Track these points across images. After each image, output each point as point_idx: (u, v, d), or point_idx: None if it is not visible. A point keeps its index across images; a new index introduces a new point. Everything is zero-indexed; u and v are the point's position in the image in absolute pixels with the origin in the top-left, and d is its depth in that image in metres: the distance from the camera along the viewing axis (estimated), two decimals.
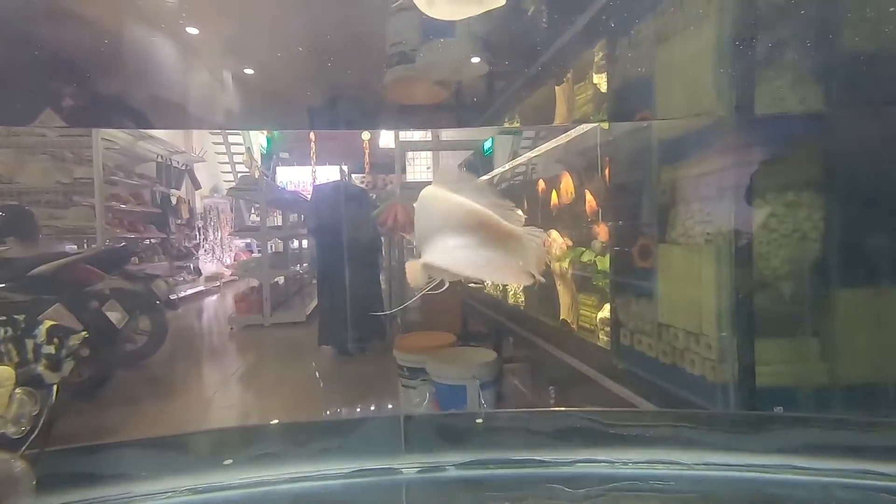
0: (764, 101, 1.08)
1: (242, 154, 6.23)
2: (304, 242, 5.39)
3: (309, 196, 4.22)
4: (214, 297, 5.92)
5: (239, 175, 5.81)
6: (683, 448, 0.58)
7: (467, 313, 3.29)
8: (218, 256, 6.32)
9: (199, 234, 6.05)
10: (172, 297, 4.71)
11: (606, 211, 1.73)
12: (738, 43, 1.10)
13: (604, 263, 1.73)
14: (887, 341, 1.03)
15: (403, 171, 6.91)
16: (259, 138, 7.11)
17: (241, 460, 0.56)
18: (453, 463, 0.59)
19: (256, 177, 5.17)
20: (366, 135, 6.91)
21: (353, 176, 6.73)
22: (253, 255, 6.01)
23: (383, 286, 3.91)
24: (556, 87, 1.85)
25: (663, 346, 1.39)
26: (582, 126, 1.81)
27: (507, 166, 3.07)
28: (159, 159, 5.36)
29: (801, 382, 1.14)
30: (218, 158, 6.81)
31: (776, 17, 1.13)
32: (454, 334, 2.95)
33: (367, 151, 7.00)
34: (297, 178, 7.59)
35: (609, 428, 0.59)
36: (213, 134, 6.80)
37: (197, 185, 5.93)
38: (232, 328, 4.19)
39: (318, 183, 4.45)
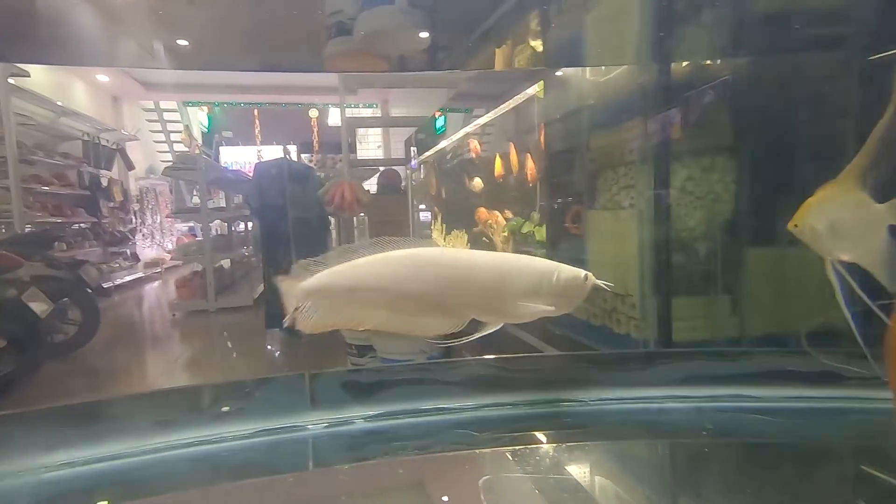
0: (680, 51, 1.12)
1: (181, 132, 5.89)
2: (251, 224, 5.20)
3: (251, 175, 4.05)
4: (156, 284, 5.64)
5: (176, 154, 5.50)
6: (581, 387, 0.61)
7: None
8: (158, 241, 6.00)
9: (136, 218, 5.71)
10: (106, 284, 4.45)
11: (543, 181, 1.75)
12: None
13: (541, 234, 1.76)
14: (789, 295, 1.10)
15: (353, 149, 6.77)
16: (199, 115, 6.74)
17: (132, 428, 0.53)
18: (362, 416, 0.59)
19: (198, 154, 4.91)
20: (313, 112, 6.69)
21: (302, 155, 6.52)
22: (197, 238, 5.74)
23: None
24: (497, 49, 1.84)
25: (594, 309, 1.44)
26: (519, 97, 1.81)
27: (453, 139, 3.05)
28: (86, 138, 4.98)
29: (714, 336, 1.21)
30: (154, 137, 6.42)
31: None
32: None
33: (315, 130, 6.78)
34: (243, 157, 7.28)
35: (514, 374, 0.61)
36: (146, 111, 6.39)
37: (130, 166, 5.58)
38: (174, 315, 4.01)
39: (259, 161, 4.27)
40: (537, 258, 0.52)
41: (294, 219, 3.38)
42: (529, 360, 0.61)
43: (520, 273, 0.50)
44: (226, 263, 5.00)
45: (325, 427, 0.57)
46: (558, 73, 1.56)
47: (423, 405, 0.59)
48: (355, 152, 6.58)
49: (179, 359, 3.04)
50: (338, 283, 0.49)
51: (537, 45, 1.62)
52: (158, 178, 5.92)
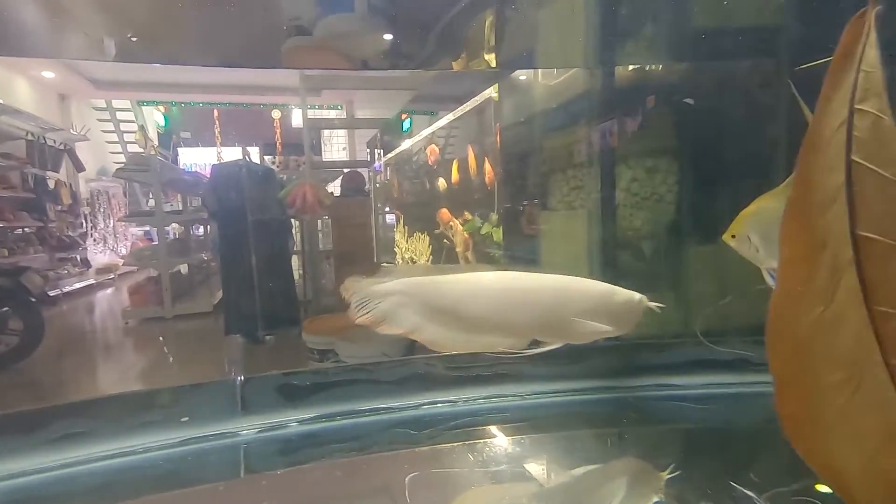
0: (624, 57, 1.15)
1: (135, 133, 5.66)
2: (210, 227, 5.04)
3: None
4: (109, 291, 5.39)
5: (129, 155, 5.28)
6: (517, 382, 0.62)
7: None
8: (111, 246, 5.74)
9: (87, 222, 5.44)
10: (52, 291, 4.21)
11: (501, 182, 1.77)
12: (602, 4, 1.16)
13: (499, 235, 1.78)
14: (729, 291, 1.15)
15: (318, 151, 6.65)
16: (155, 115, 6.50)
17: (39, 442, 0.50)
18: (296, 419, 0.58)
19: (153, 155, 4.73)
20: (276, 113, 6.56)
21: (265, 157, 6.37)
22: (153, 243, 5.52)
23: (297, 270, 3.76)
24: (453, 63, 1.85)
25: None
26: (476, 99, 1.82)
27: (416, 141, 3.05)
28: (30, 137, 4.71)
29: (660, 331, 1.24)
30: (106, 137, 6.14)
31: None
32: None
33: (278, 131, 6.65)
34: (202, 159, 7.06)
35: (451, 371, 0.61)
36: (97, 110, 6.11)
37: (80, 167, 5.31)
38: (127, 323, 3.84)
39: (216, 163, 4.15)
40: (596, 281, 0.53)
41: (253, 221, 3.29)
42: (468, 357, 0.61)
43: (579, 296, 0.52)
44: (184, 268, 4.83)
45: (257, 433, 0.56)
46: (512, 76, 1.58)
47: (361, 406, 0.58)
48: (320, 154, 6.48)
49: (130, 369, 2.91)
50: (415, 292, 0.48)
51: (490, 59, 1.64)
52: (111, 180, 5.66)
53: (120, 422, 0.53)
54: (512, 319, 0.51)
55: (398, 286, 0.49)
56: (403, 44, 1.58)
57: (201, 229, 5.13)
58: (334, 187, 4.17)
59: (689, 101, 1.18)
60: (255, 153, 6.48)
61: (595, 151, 1.24)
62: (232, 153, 6.25)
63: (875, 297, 0.28)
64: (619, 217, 1.20)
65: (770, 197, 0.57)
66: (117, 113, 6.17)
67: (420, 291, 0.49)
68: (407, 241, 2.90)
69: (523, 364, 0.63)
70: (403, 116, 5.25)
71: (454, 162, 2.14)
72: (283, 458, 0.56)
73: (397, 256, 3.21)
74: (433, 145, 2.25)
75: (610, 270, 1.19)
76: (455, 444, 0.57)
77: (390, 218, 3.70)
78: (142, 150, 5.43)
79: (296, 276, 3.71)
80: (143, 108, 6.18)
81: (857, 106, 0.28)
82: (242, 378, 0.58)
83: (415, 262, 2.82)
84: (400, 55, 1.69)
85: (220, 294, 4.20)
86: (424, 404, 0.59)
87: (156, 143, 6.03)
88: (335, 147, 6.87)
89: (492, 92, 1.71)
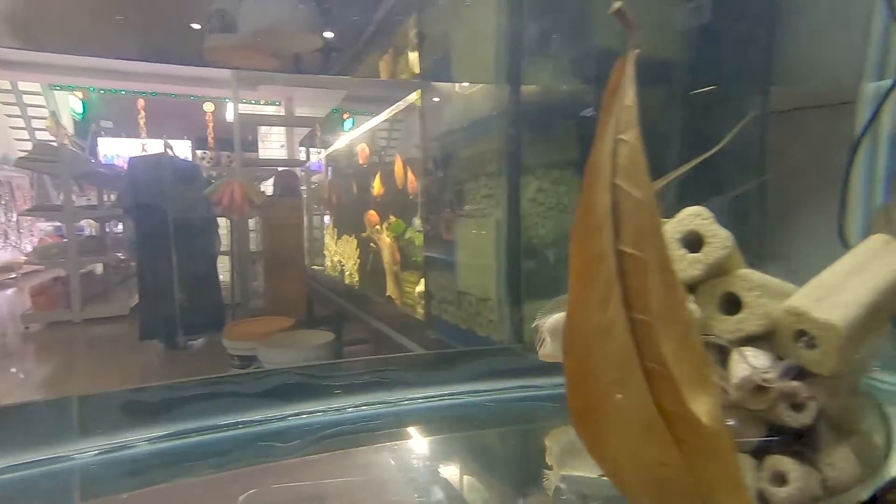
0: (529, 74, 1.21)
1: (45, 119, 5.19)
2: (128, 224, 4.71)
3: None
4: (9, 292, 4.90)
5: (35, 144, 4.84)
6: (388, 389, 0.63)
7: (313, 297, 3.20)
8: (13, 242, 5.23)
9: None
10: None
11: (423, 187, 1.78)
12: (512, 22, 1.20)
13: (420, 239, 1.80)
14: None
15: (256, 148, 6.39)
16: (71, 101, 6.00)
17: None
18: (145, 439, 0.55)
19: (66, 145, 4.35)
20: (209, 106, 6.25)
21: (197, 152, 6.04)
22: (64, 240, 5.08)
23: (228, 271, 3.60)
24: (380, 62, 1.86)
25: (462, 314, 1.49)
26: (400, 104, 1.83)
27: (347, 142, 3.02)
28: None
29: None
30: (9, 122, 5.59)
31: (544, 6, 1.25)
32: (299, 318, 2.84)
33: (210, 125, 6.33)
34: (126, 150, 6.59)
35: (322, 380, 0.61)
36: (1, 92, 5.55)
37: None
38: (27, 327, 3.51)
39: (135, 156, 3.89)
40: None
41: (174, 220, 3.12)
42: (334, 366, 0.62)
43: None
44: (98, 268, 4.49)
45: (97, 455, 0.52)
46: (433, 83, 1.60)
47: (222, 420, 0.56)
48: (257, 151, 6.23)
49: (27, 379, 2.66)
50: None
51: (414, 59, 1.66)
52: (13, 170, 5.16)
53: None
54: None
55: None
56: (334, 42, 1.57)
57: (120, 226, 4.79)
58: (267, 186, 4.03)
59: (588, 112, 1.25)
60: (186, 147, 6.14)
61: (504, 162, 1.28)
62: (158, 146, 5.88)
63: (634, 305, 0.31)
64: (526, 225, 1.25)
65: None
66: (24, 96, 5.64)
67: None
68: (336, 244, 2.86)
69: (396, 371, 0.64)
70: (345, 116, 5.17)
71: (377, 174, 2.14)
72: (128, 480, 0.53)
73: (326, 259, 3.16)
74: (363, 145, 2.24)
75: (515, 276, 1.24)
76: (324, 454, 0.56)
77: (325, 219, 3.63)
78: (53, 137, 4.98)
79: (225, 278, 3.55)
80: (57, 92, 5.69)
81: (619, 136, 0.31)
82: (79, 397, 0.54)
83: (343, 266, 2.78)
84: (331, 52, 1.69)
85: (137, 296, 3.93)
86: (292, 415, 0.59)
87: (70, 131, 5.57)
88: (273, 144, 6.64)
89: (415, 97, 1.73)
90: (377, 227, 2.18)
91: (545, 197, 1.29)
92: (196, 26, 1.26)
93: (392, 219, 2.01)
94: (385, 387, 0.62)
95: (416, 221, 1.86)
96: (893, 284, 0.36)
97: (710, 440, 0.28)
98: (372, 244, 2.22)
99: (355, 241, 2.48)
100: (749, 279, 0.35)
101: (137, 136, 6.34)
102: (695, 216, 0.37)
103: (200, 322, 3.16)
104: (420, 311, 1.84)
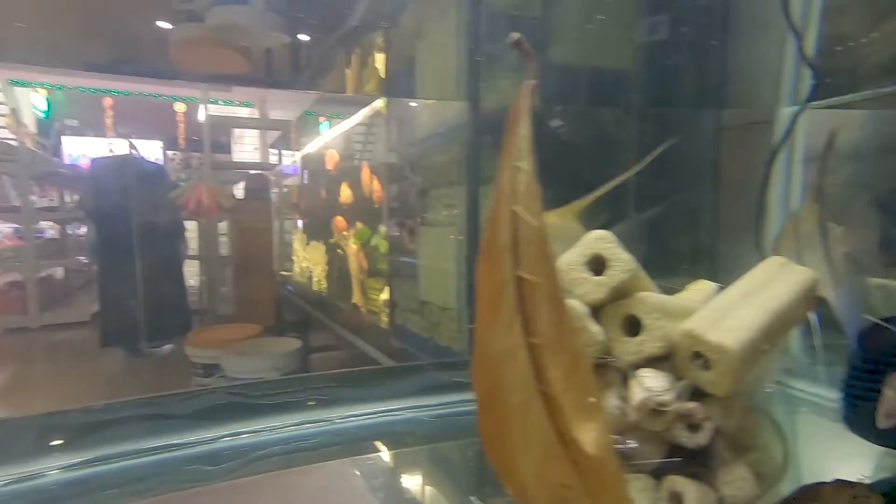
0: (488, 90, 1.22)
1: (5, 116, 5.00)
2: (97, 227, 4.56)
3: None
4: None
5: None
6: (326, 406, 0.62)
7: (281, 303, 3.15)
8: None
9: None
10: None
11: (388, 197, 1.78)
12: (471, 42, 1.21)
13: (385, 247, 1.79)
14: None
15: (229, 150, 6.27)
16: (35, 99, 5.79)
17: None
18: (59, 466, 0.52)
19: (28, 144, 4.19)
20: (180, 106, 6.11)
21: (167, 153, 5.90)
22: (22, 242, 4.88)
23: (189, 276, 3.51)
24: (346, 70, 1.85)
25: (424, 323, 1.49)
26: (366, 110, 1.83)
27: (317, 144, 2.98)
28: None
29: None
30: None
31: (502, 24, 1.27)
32: (267, 324, 2.79)
33: (182, 125, 6.20)
34: (92, 151, 6.39)
35: (255, 399, 0.60)
36: None
37: None
38: None
39: (98, 156, 3.78)
40: None
41: (139, 223, 3.04)
42: (270, 384, 0.61)
43: None
44: (59, 272, 4.34)
45: (3, 485, 0.49)
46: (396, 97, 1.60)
47: (146, 444, 0.54)
48: (230, 153, 6.12)
49: None
50: None
51: (380, 68, 1.66)
52: None
53: None
54: None
55: None
56: (298, 46, 1.56)
57: (84, 229, 4.63)
58: (238, 189, 3.97)
59: (558, 123, 1.27)
60: (157, 148, 5.98)
61: (465, 172, 1.29)
62: (124, 146, 5.72)
63: (530, 330, 0.32)
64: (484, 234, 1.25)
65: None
66: None
67: None
68: (304, 250, 2.83)
69: (333, 389, 0.63)
70: (321, 119, 5.12)
71: (343, 183, 2.13)
72: None
73: (295, 265, 3.12)
74: (332, 150, 2.22)
75: (474, 286, 1.25)
76: (256, 475, 0.55)
77: (297, 223, 3.59)
78: (14, 136, 4.80)
79: (194, 282, 3.47)
80: (18, 88, 5.48)
81: (515, 163, 0.32)
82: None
83: (311, 272, 2.75)
84: (298, 56, 1.67)
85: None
86: (223, 437, 0.57)
87: (33, 129, 5.37)
88: (247, 147, 6.53)
89: (381, 104, 1.72)
90: (344, 233, 2.17)
91: None
92: (164, 25, 1.23)
93: (358, 225, 2.00)
94: (325, 403, 0.61)
95: (382, 229, 1.85)
96: (787, 305, 0.37)
97: (597, 467, 0.29)
98: (339, 250, 2.20)
99: (323, 247, 2.45)
100: (648, 302, 0.35)
101: (104, 135, 6.16)
102: (599, 240, 0.38)
103: (165, 329, 3.08)
104: (384, 319, 1.83)
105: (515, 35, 0.30)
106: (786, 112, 0.64)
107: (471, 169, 1.27)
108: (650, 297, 0.36)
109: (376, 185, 1.84)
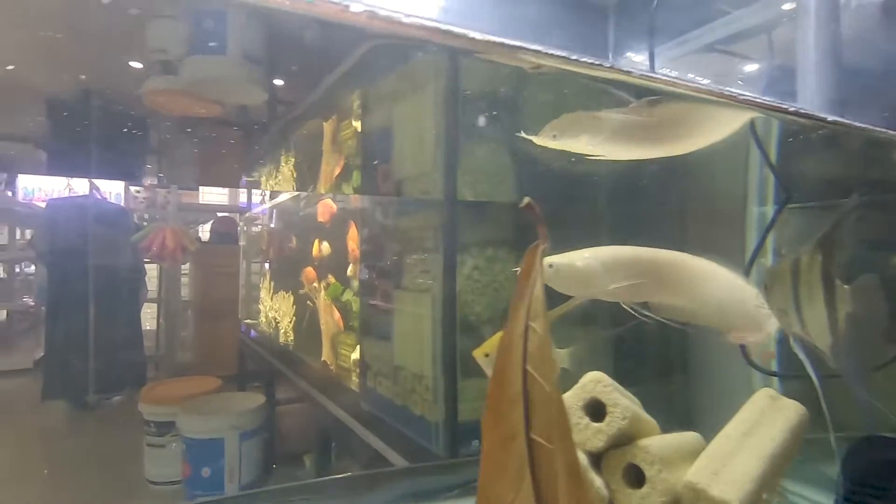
0: (467, 160, 1.25)
1: None
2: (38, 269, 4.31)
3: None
4: None
5: None
6: None
7: (245, 352, 3.02)
8: None
9: None
10: None
11: (363, 256, 1.77)
12: (447, 119, 1.25)
13: (357, 304, 1.76)
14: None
15: (196, 187, 6.13)
16: None
17: None
18: None
19: None
20: None
21: (132, 188, 5.70)
22: None
23: (147, 320, 3.34)
24: (324, 123, 1.86)
25: (397, 388, 1.45)
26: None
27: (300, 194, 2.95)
28: None
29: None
30: None
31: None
32: (227, 376, 2.66)
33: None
34: (49, 186, 6.12)
35: None
36: None
37: None
38: None
39: (54, 197, 3.62)
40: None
41: (95, 267, 2.89)
42: (245, 499, 0.56)
43: None
44: (1, 314, 4.05)
45: None
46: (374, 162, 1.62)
47: None
48: (197, 190, 5.97)
49: None
50: None
51: (358, 125, 1.68)
52: None
53: None
54: None
55: None
56: (277, 99, 1.56)
57: (33, 268, 4.36)
58: (204, 232, 3.86)
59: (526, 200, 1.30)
60: (120, 185, 5.78)
61: (441, 239, 1.30)
62: (81, 183, 5.51)
63: (543, 496, 0.31)
64: (462, 302, 1.25)
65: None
66: None
67: None
68: (272, 299, 2.75)
69: (320, 499, 0.59)
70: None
71: (315, 241, 2.10)
72: None
73: (261, 314, 3.02)
74: (328, 200, 2.06)
75: (450, 353, 1.23)
76: None
77: (265, 267, 3.49)
78: None
79: (151, 327, 3.29)
80: None
81: (529, 322, 0.32)
82: None
83: (277, 322, 2.66)
84: (277, 108, 1.67)
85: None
86: None
87: None
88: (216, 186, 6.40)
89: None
90: (314, 284, 2.12)
91: (480, 275, 1.31)
92: (136, 65, 1.21)
93: (331, 279, 1.96)
94: None
95: (355, 284, 1.83)
96: (782, 447, 0.38)
97: None
98: (309, 302, 2.15)
99: (292, 298, 2.38)
100: (650, 451, 0.35)
101: (72, 174, 5.92)
102: (596, 382, 0.38)
103: (117, 379, 2.89)
104: (354, 379, 1.78)
105: (527, 199, 0.31)
106: (754, 212, 0.68)
107: (448, 235, 1.28)
108: (651, 445, 0.35)
109: (352, 248, 1.83)
